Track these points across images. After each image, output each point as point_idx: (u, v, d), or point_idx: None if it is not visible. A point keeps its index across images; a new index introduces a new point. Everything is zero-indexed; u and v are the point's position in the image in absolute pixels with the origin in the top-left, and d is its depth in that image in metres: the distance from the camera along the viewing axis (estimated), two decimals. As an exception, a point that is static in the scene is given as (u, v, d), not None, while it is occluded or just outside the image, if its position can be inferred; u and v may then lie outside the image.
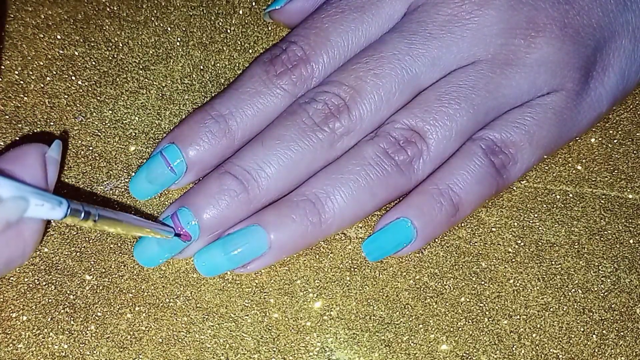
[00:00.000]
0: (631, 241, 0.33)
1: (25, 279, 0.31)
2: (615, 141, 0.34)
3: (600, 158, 0.34)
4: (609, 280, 0.32)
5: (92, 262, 0.31)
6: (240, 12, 0.35)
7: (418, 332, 0.31)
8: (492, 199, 0.33)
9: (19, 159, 0.27)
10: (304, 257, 0.32)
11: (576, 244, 0.33)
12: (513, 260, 0.32)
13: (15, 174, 0.26)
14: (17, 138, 0.33)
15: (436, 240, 0.32)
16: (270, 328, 0.31)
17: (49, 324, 0.31)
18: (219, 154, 0.31)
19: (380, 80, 0.30)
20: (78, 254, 0.32)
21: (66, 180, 0.32)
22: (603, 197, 0.33)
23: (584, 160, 0.34)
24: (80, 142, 0.33)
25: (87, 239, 0.32)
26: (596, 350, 0.32)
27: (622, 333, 0.32)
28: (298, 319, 0.31)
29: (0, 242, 0.25)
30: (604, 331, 0.32)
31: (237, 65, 0.34)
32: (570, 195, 0.33)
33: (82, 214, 0.26)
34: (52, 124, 0.33)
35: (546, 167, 0.34)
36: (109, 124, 0.33)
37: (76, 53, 0.34)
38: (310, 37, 0.31)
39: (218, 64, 0.34)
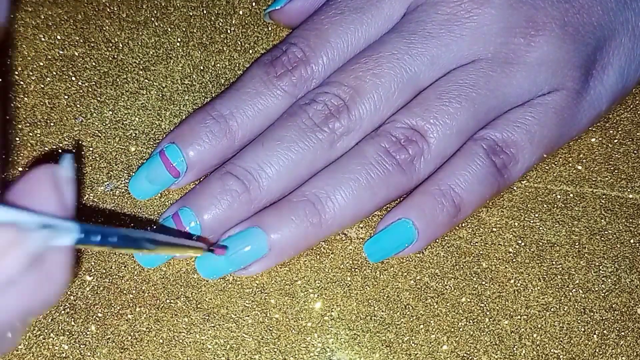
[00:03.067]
0: (632, 241, 0.33)
1: (26, 280, 0.31)
2: (615, 141, 0.34)
3: (600, 158, 0.34)
4: (609, 280, 0.32)
5: (93, 263, 0.31)
6: (241, 12, 0.35)
7: (419, 333, 0.31)
8: (492, 199, 0.33)
9: (27, 190, 0.22)
10: (305, 258, 0.32)
11: (577, 243, 0.33)
12: (514, 260, 0.32)
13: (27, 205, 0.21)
14: (17, 139, 0.33)
15: (437, 240, 0.32)
16: (271, 329, 0.31)
17: (50, 324, 0.31)
18: (219, 154, 0.31)
19: (379, 80, 0.30)
20: (78, 254, 0.31)
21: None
22: (603, 197, 0.33)
23: (584, 160, 0.34)
24: (80, 143, 0.33)
25: (87, 239, 0.32)
26: (597, 350, 0.32)
27: (622, 333, 0.32)
28: (299, 320, 0.31)
29: (28, 282, 0.21)
30: (604, 331, 0.32)
31: (237, 65, 0.34)
32: (571, 195, 0.33)
33: (99, 237, 0.21)
34: (52, 124, 0.33)
35: (547, 167, 0.34)
36: (109, 125, 0.33)
37: (76, 53, 0.34)
38: (310, 38, 0.31)
39: (218, 65, 0.34)
